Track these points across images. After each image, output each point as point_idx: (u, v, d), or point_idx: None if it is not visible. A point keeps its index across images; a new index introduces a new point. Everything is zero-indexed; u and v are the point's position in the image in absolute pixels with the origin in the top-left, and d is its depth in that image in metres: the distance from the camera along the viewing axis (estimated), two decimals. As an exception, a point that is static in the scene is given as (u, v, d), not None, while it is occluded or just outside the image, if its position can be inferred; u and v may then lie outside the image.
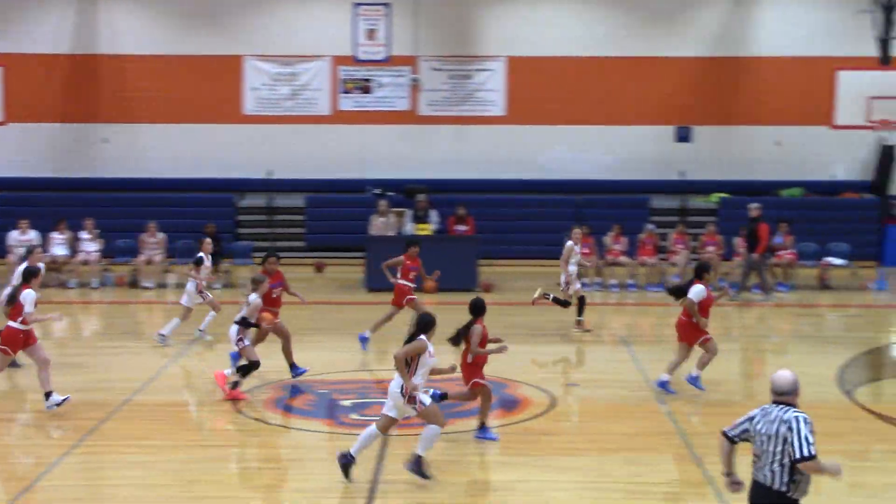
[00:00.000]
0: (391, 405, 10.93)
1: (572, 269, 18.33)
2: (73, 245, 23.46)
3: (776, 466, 7.78)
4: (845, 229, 24.77)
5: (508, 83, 26.75)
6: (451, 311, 14.75)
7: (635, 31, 26.68)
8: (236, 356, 14.58)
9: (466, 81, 26.82)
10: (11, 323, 13.15)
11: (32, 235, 23.05)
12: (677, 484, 11.19)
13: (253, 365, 13.95)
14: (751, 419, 8.00)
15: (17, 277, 14.43)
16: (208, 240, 18.31)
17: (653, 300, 21.77)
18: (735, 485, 8.23)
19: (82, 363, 16.07)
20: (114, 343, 17.87)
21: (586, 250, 23.28)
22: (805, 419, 7.75)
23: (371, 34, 26.88)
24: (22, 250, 19.75)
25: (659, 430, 12.91)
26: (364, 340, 16.81)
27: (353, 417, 13.25)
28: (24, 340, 13.20)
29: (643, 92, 26.59)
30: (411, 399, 10.77)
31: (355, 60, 26.95)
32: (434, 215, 24.09)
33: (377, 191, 25.58)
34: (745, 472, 8.21)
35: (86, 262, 23.31)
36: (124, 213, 25.41)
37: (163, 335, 17.27)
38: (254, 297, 14.12)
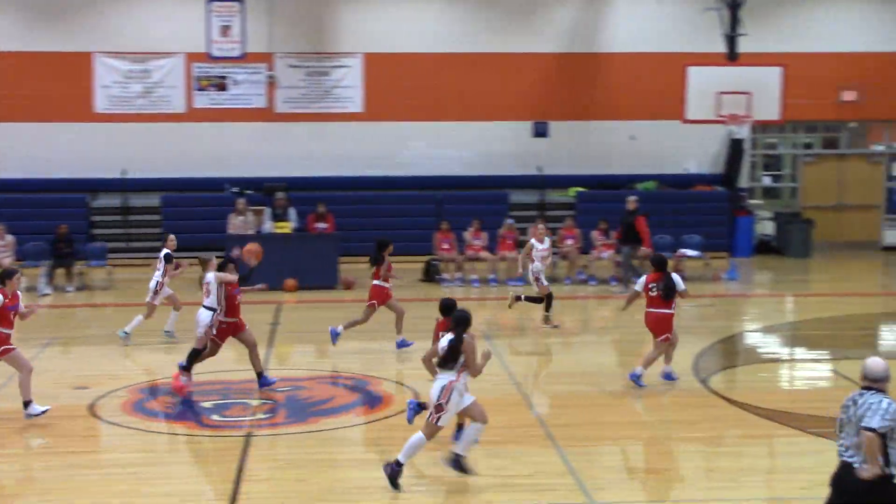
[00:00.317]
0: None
1: (537, 265, 18.30)
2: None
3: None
4: (698, 221, 25.36)
5: (366, 80, 26.68)
6: (310, 310, 14.77)
7: (492, 28, 26.86)
8: None
9: (323, 78, 26.66)
10: None
11: None
12: (541, 475, 11.28)
13: (201, 350, 13.96)
14: (845, 407, 8.19)
15: None
16: (172, 236, 18.01)
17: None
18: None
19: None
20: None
21: (446, 246, 23.39)
22: (892, 404, 7.88)
23: (225, 31, 26.51)
24: None
25: (522, 423, 13.01)
26: (335, 335, 16.48)
27: (214, 419, 13.04)
28: None
29: (501, 88, 26.79)
30: (438, 407, 10.51)
31: (210, 57, 26.55)
32: (293, 213, 23.86)
33: (235, 189, 25.25)
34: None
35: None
36: (-29, 215, 24.59)
37: (126, 333, 17.10)
38: (210, 276, 13.94)
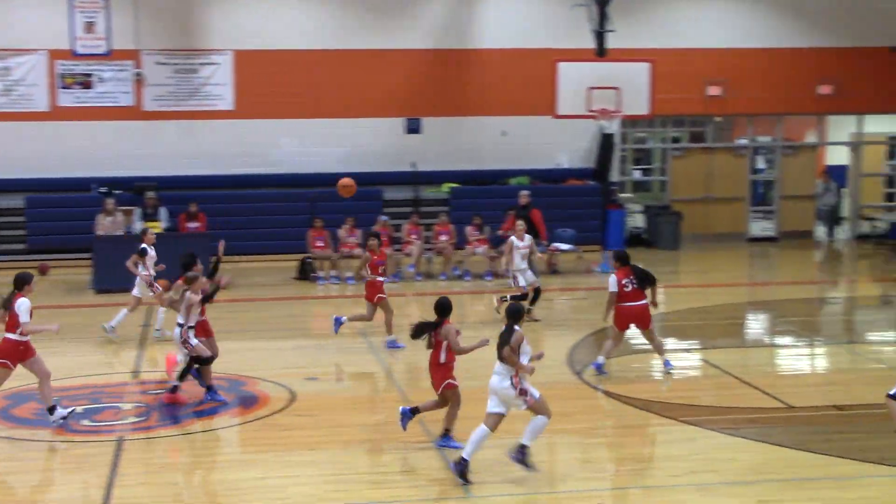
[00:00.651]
0: (497, 401, 10.77)
1: (518, 262, 18.22)
2: None
3: None
4: (570, 215, 25.64)
5: (236, 77, 26.34)
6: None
7: (363, 24, 26.76)
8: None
9: (192, 76, 26.23)
10: (9, 334, 12.22)
11: None
12: (419, 471, 11.26)
13: (208, 359, 13.53)
14: None
15: None
16: (150, 230, 17.73)
17: (388, 291, 21.84)
18: None
19: None
20: None
21: (320, 244, 23.23)
22: None
23: (90, 27, 25.89)
24: None
25: (399, 419, 12.96)
26: (338, 323, 16.71)
27: (84, 424, 12.71)
28: (23, 353, 12.29)
29: (373, 84, 26.71)
30: (522, 392, 10.67)
31: (74, 54, 25.91)
32: (164, 213, 23.43)
33: (103, 189, 24.70)
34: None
35: None
36: None
37: (112, 327, 16.84)
38: (192, 296, 13.56)
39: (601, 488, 10.83)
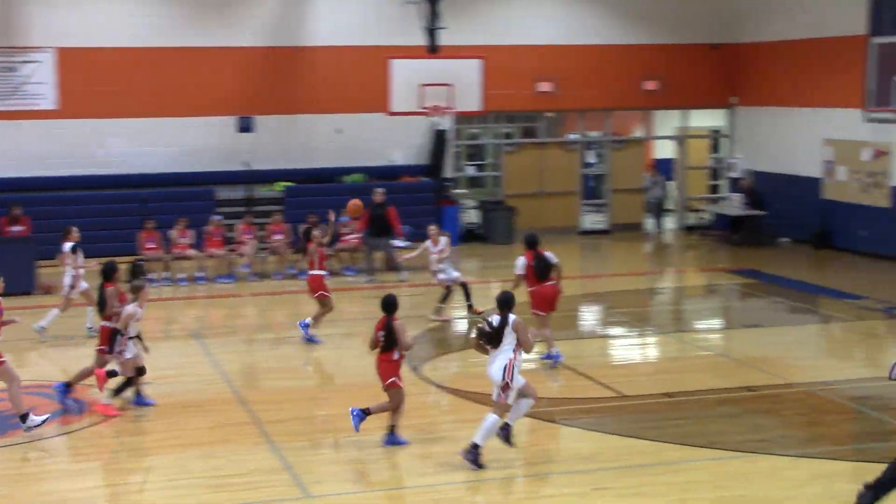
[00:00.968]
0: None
1: (435, 265, 18.34)
2: None
3: None
4: (406, 212, 25.66)
5: (59, 75, 25.52)
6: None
7: (191, 22, 26.25)
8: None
9: (12, 74, 25.32)
10: None
11: None
12: (257, 473, 11.12)
13: (139, 371, 13.16)
14: None
15: None
16: (75, 228, 17.36)
17: (222, 292, 21.59)
18: None
19: None
20: None
21: (151, 245, 22.73)
22: None
23: None
24: None
25: (235, 422, 12.80)
26: (305, 327, 16.82)
27: None
28: None
29: (203, 82, 26.23)
30: (505, 387, 11.08)
31: None
32: (-15, 216, 22.55)
33: (-81, 193, 23.67)
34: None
35: None
36: None
37: (42, 327, 16.52)
38: (132, 308, 13.09)
39: (440, 482, 10.86)
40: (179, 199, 24.98)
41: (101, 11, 25.67)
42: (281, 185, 26.18)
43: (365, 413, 11.88)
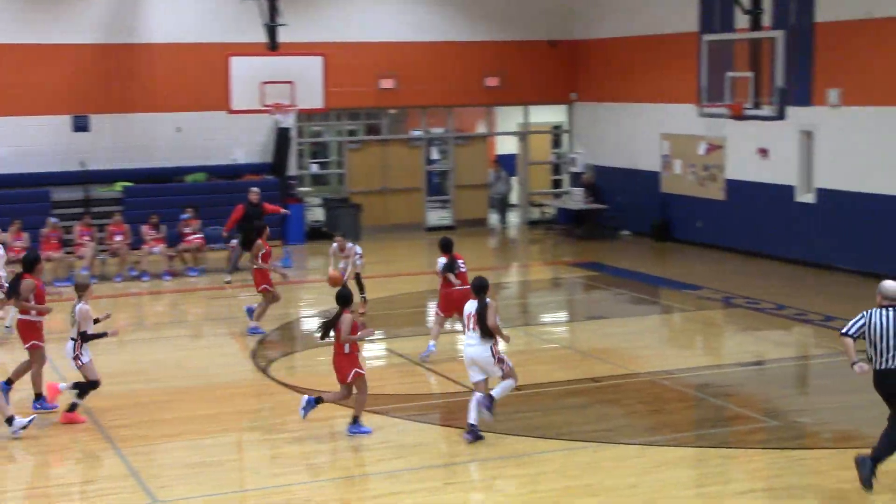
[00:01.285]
0: (478, 370, 11.83)
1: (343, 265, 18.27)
2: None
3: None
4: (250, 211, 25.41)
5: None
6: None
7: (23, 18, 25.40)
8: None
9: None
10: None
11: None
12: (102, 480, 10.84)
13: (92, 384, 12.55)
14: (867, 320, 10.15)
15: None
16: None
17: (61, 296, 20.93)
18: (862, 369, 10.24)
19: None
20: None
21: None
22: None
23: None
24: None
25: (76, 428, 12.45)
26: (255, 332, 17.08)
27: None
28: None
29: (36, 81, 25.41)
30: (500, 360, 11.77)
31: None
32: None
33: None
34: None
35: None
36: None
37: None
38: (82, 307, 12.51)
39: (292, 483, 10.76)
40: (13, 201, 24.16)
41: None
42: (120, 186, 25.57)
43: (317, 402, 12.11)
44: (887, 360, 10.09)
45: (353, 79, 27.45)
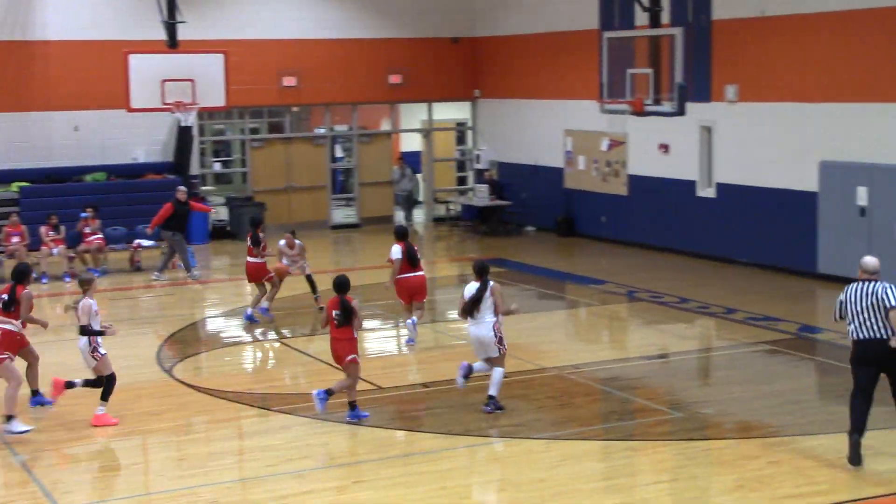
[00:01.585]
0: (484, 350, 12.52)
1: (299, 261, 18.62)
2: None
3: (879, 323, 10.41)
4: (152, 211, 25.03)
5: None
6: None
7: None
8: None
9: None
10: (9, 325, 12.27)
11: None
12: (3, 487, 10.60)
13: (109, 379, 12.36)
14: (845, 297, 10.70)
15: None
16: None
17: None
18: None
19: None
20: None
21: None
22: (892, 286, 10.52)
23: None
24: None
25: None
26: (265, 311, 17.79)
27: None
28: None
29: (-76, 80, 24.82)
30: (500, 340, 12.42)
31: None
32: None
33: None
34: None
35: None
36: None
37: None
38: (84, 301, 12.26)
39: (197, 484, 10.63)
40: None
41: None
42: (16, 186, 25.03)
43: (328, 393, 12.35)
44: (860, 329, 10.56)
45: (255, 76, 27.23)
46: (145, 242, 23.63)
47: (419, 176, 31.18)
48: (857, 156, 19.48)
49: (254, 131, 30.13)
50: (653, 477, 10.77)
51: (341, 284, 12.42)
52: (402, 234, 16.24)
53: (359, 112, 29.83)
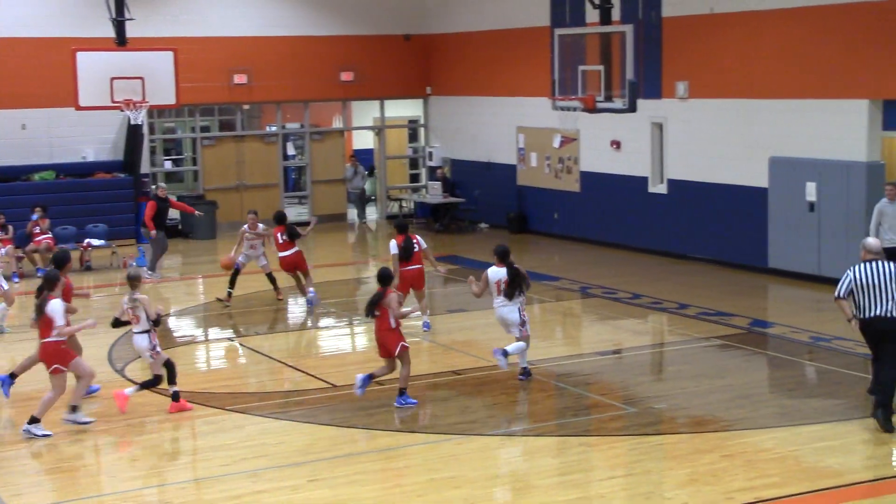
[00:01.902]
0: (508, 327, 13.73)
1: (249, 251, 18.99)
2: None
3: (891, 302, 11.00)
4: (102, 210, 24.89)
5: None
6: None
7: None
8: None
9: None
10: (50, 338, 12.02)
11: None
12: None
13: (168, 367, 12.77)
14: (852, 276, 11.17)
15: None
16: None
17: None
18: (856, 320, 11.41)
19: None
20: None
21: None
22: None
23: None
24: None
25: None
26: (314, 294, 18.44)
27: None
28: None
29: None
30: (523, 322, 13.59)
31: None
32: None
33: None
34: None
35: None
36: None
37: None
38: (141, 296, 12.57)
39: (149, 485, 10.54)
40: None
41: None
42: (-36, 186, 24.73)
43: (370, 378, 12.77)
44: (871, 308, 11.06)
45: (206, 74, 27.07)
46: (95, 242, 23.41)
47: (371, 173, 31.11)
48: (806, 152, 19.67)
49: (205, 129, 29.90)
50: (607, 472, 10.82)
51: (384, 277, 12.81)
52: (401, 228, 16.51)
53: (311, 109, 29.72)
